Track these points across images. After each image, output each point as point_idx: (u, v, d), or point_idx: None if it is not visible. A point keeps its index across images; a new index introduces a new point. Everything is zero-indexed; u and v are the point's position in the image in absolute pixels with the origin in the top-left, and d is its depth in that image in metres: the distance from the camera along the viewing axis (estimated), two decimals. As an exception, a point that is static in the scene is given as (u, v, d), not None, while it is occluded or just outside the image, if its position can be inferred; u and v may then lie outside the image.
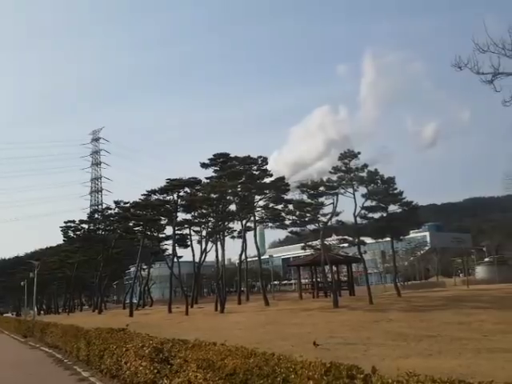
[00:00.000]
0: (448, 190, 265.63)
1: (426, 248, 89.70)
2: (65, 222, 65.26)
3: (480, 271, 55.51)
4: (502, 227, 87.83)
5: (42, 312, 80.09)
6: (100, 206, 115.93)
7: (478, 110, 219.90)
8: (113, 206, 57.04)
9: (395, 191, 33.14)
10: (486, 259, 62.58)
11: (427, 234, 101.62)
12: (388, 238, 36.42)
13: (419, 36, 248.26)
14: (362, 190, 32.33)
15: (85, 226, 65.97)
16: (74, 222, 64.99)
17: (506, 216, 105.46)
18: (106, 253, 59.43)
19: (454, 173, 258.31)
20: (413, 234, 68.05)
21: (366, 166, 31.51)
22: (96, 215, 68.47)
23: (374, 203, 33.06)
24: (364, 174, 31.57)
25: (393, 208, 33.48)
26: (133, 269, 74.08)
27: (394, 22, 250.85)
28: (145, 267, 58.37)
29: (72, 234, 65.89)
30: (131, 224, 49.18)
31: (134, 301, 51.91)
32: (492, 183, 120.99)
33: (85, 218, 68.17)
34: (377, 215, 33.79)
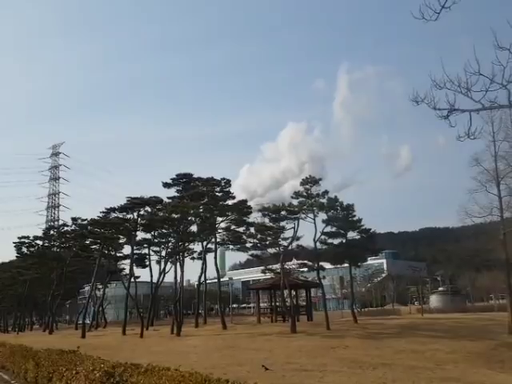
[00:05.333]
0: (404, 219, 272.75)
1: (383, 275, 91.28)
2: (19, 238, 63.03)
3: (434, 300, 56.76)
4: (456, 257, 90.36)
5: (-11, 330, 76.64)
6: (56, 222, 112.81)
7: (435, 143, 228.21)
8: (70, 222, 55.65)
9: (354, 218, 33.63)
10: (440, 288, 64.14)
11: (384, 261, 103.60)
12: (346, 264, 36.79)
13: (398, 60, 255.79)
14: (323, 215, 32.73)
15: (39, 242, 63.89)
16: (28, 237, 62.85)
17: (460, 246, 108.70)
18: (60, 271, 57.59)
19: (411, 202, 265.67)
20: (370, 261, 69.11)
21: (326, 192, 31.94)
22: (52, 231, 66.48)
23: (333, 229, 33.46)
24: (324, 201, 31.95)
25: (352, 234, 33.95)
26: (87, 288, 72.02)
27: (372, 42, 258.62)
28: (100, 287, 56.76)
29: (26, 250, 63.56)
30: (88, 242, 47.96)
31: (87, 321, 50.29)
32: (447, 214, 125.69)
33: (40, 233, 66.15)
34: (336, 241, 34.17)
